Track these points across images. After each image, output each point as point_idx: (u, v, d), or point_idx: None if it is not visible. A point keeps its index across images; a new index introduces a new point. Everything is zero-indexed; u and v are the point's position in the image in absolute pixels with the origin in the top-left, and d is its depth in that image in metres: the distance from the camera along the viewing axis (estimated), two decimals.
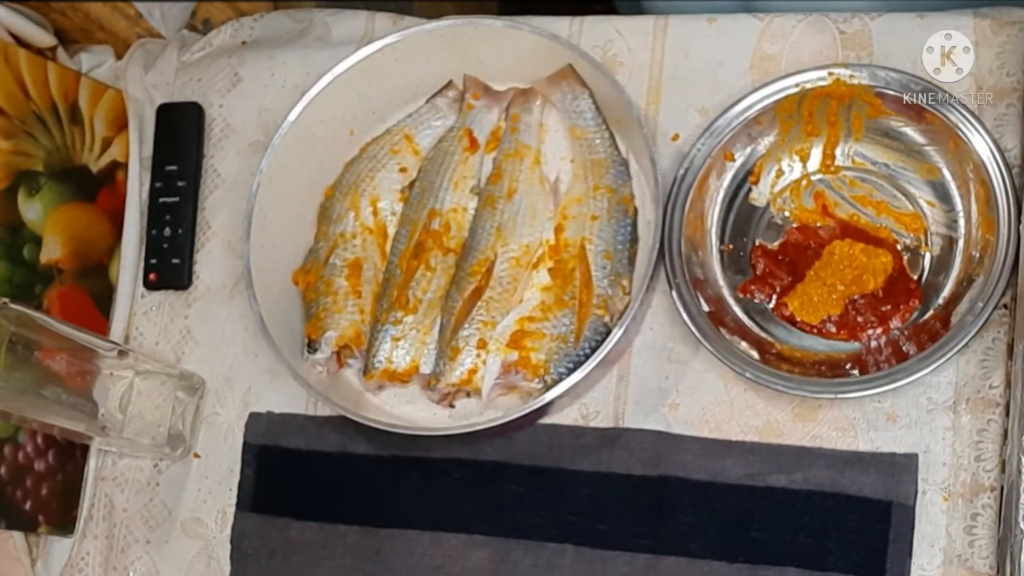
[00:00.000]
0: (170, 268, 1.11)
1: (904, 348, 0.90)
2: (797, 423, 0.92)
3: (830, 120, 0.96)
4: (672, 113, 1.02)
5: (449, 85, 1.09)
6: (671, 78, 1.03)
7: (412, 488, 0.99)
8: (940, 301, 0.91)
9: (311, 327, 1.01)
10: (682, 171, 0.97)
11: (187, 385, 1.05)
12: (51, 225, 1.08)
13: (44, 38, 1.15)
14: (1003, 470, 0.86)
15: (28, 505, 1.04)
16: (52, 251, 1.08)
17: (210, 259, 1.11)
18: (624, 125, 1.01)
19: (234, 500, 1.03)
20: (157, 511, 1.06)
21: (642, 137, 0.97)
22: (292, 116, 1.04)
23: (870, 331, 0.92)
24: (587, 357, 0.93)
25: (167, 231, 1.11)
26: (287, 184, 1.04)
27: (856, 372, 0.91)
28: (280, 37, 1.17)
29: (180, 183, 1.12)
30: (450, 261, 1.02)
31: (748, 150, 0.98)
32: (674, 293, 0.94)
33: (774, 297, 0.96)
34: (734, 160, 0.98)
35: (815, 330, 0.94)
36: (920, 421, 0.89)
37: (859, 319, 0.93)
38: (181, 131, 1.14)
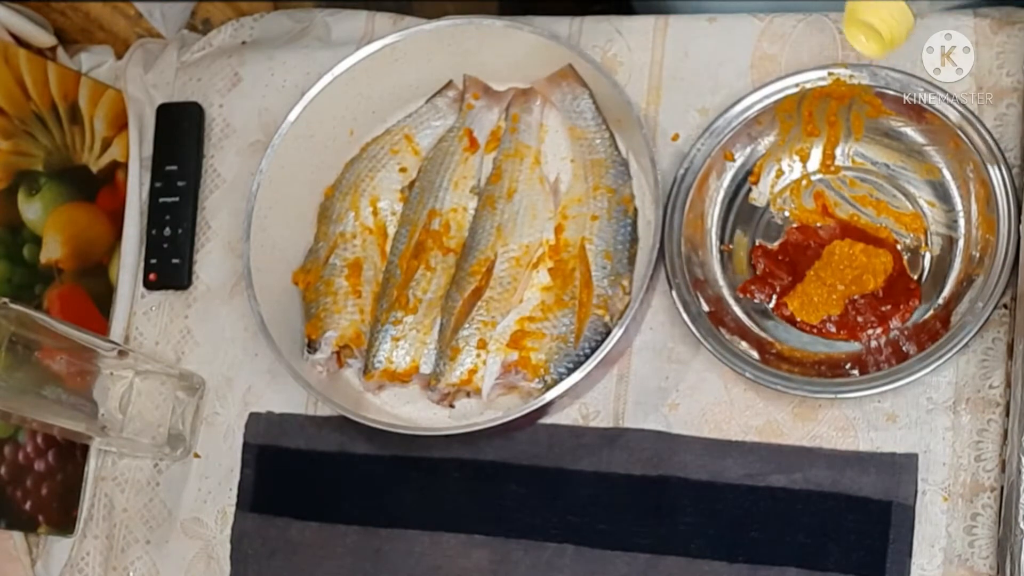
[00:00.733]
0: (170, 268, 1.11)
1: (904, 348, 0.90)
2: (797, 423, 0.92)
3: (830, 120, 0.96)
4: (672, 113, 1.02)
5: (449, 85, 1.09)
6: (671, 78, 1.03)
7: (412, 488, 0.99)
8: (940, 301, 0.91)
9: (311, 327, 1.01)
10: (682, 171, 0.97)
11: (187, 385, 1.05)
12: (51, 225, 1.08)
13: (44, 38, 1.15)
14: (1003, 470, 0.86)
15: (28, 505, 1.03)
16: (52, 251, 1.08)
17: (210, 259, 1.11)
18: (624, 125, 1.01)
19: (234, 500, 1.03)
20: (157, 511, 1.06)
21: (642, 137, 0.97)
22: (292, 116, 1.04)
23: (870, 331, 0.92)
24: (587, 357, 0.93)
25: (167, 231, 1.11)
26: (287, 184, 1.04)
27: (856, 372, 0.90)
28: (280, 37, 1.17)
29: (180, 183, 1.12)
30: (450, 261, 1.01)
31: (748, 150, 0.98)
32: (674, 293, 0.94)
33: (774, 297, 0.95)
34: (734, 160, 0.98)
35: (815, 330, 0.94)
36: (920, 421, 0.89)
37: (859, 319, 0.93)
38: (181, 131, 1.14)
